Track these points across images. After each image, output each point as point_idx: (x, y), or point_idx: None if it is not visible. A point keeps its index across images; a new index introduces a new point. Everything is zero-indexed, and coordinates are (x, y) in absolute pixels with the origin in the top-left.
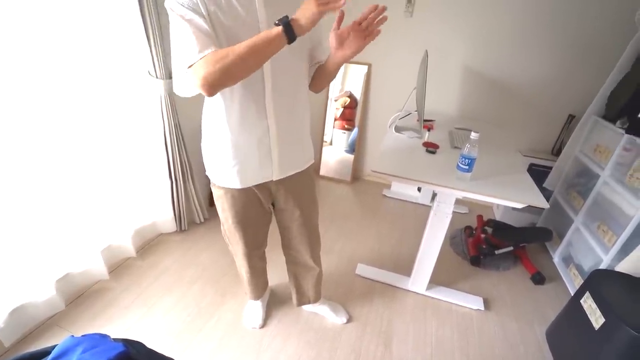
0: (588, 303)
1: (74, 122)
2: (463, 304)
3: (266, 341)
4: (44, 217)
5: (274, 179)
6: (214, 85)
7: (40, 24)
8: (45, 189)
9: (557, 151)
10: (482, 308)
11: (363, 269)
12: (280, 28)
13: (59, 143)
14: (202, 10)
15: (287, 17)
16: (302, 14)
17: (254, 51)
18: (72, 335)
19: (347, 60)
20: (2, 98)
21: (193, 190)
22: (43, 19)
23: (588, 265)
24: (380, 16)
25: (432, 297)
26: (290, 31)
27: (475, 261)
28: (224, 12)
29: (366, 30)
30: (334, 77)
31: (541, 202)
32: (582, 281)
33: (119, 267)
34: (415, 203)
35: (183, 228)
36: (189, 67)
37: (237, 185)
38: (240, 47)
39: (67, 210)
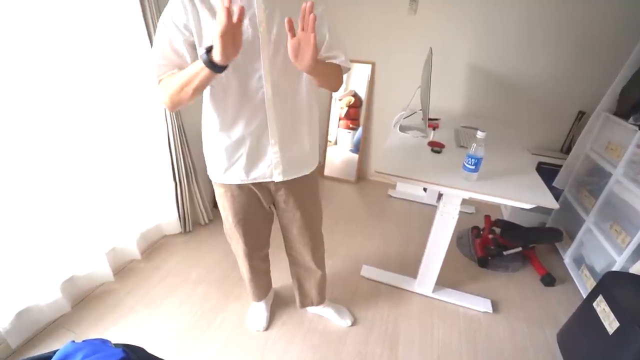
0: (601, 306)
1: (78, 125)
2: (471, 306)
3: (270, 344)
4: (49, 219)
5: (275, 180)
6: (169, 107)
7: (45, 29)
8: (50, 192)
9: (566, 149)
10: (491, 310)
11: (368, 271)
12: (202, 63)
13: (63, 146)
14: (191, 25)
15: (209, 48)
16: (215, 46)
17: (188, 82)
18: (73, 341)
19: (308, 71)
20: (9, 102)
21: (197, 192)
22: (48, 24)
23: (600, 267)
24: (311, 14)
25: (439, 299)
26: (211, 64)
27: (483, 262)
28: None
29: (307, 34)
30: (323, 82)
31: (550, 202)
32: (595, 283)
33: (123, 269)
34: (421, 203)
35: (187, 229)
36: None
37: (236, 180)
38: (177, 79)
39: (72, 213)
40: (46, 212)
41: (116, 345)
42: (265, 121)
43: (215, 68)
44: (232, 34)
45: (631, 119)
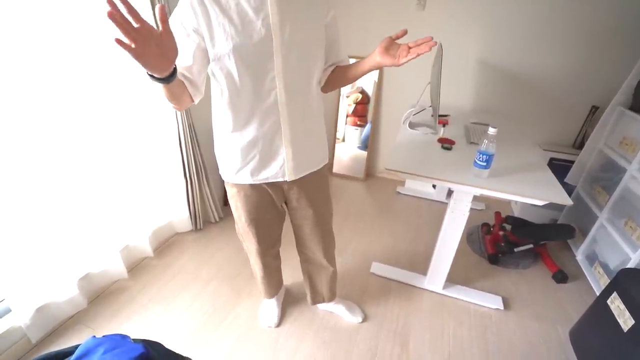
0: (616, 304)
1: (91, 125)
2: (481, 303)
3: (282, 340)
4: (65, 219)
5: (288, 179)
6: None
7: (57, 27)
8: (65, 192)
9: (579, 144)
10: (502, 307)
11: (378, 267)
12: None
13: (77, 147)
14: (202, 28)
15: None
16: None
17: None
18: (94, 336)
19: (378, 67)
20: (25, 102)
21: (208, 190)
22: (58, 22)
23: (614, 264)
24: (431, 43)
25: (449, 296)
26: (151, 76)
27: (494, 259)
28: (231, 19)
29: (410, 50)
30: (355, 81)
31: (564, 199)
32: (608, 280)
33: (137, 267)
34: (430, 200)
35: (198, 227)
36: None
37: (249, 180)
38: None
39: (86, 212)
40: (62, 212)
41: (135, 340)
42: (278, 122)
43: (157, 80)
44: (142, 44)
45: None
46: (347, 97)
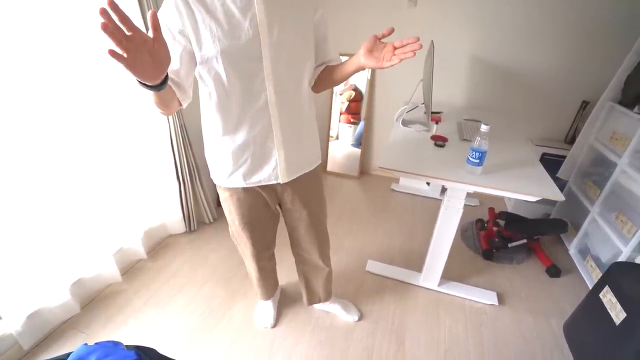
0: (608, 297)
1: (81, 128)
2: (476, 299)
3: (278, 341)
4: (56, 223)
5: (281, 182)
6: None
7: (47, 30)
8: (56, 196)
9: (570, 139)
10: (496, 303)
11: (373, 265)
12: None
13: (68, 149)
14: (187, 30)
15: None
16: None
17: (152, 99)
18: (86, 344)
19: (362, 69)
20: (13, 105)
21: (201, 191)
22: (50, 24)
23: (606, 257)
24: (415, 47)
25: (445, 293)
26: (140, 83)
27: (488, 255)
28: (217, 21)
29: (394, 52)
30: (342, 82)
31: (556, 195)
32: (600, 274)
33: (131, 269)
34: (425, 197)
35: (192, 229)
36: None
37: (242, 184)
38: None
39: (78, 216)
40: (53, 216)
41: (128, 347)
42: (269, 124)
43: (148, 87)
44: (135, 53)
45: (636, 109)
46: (340, 95)
